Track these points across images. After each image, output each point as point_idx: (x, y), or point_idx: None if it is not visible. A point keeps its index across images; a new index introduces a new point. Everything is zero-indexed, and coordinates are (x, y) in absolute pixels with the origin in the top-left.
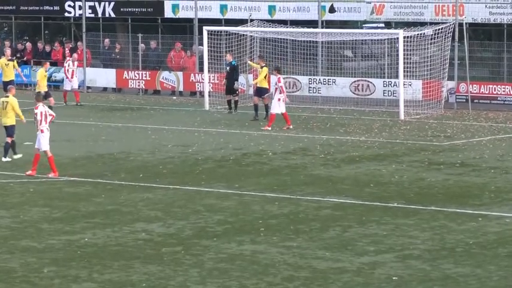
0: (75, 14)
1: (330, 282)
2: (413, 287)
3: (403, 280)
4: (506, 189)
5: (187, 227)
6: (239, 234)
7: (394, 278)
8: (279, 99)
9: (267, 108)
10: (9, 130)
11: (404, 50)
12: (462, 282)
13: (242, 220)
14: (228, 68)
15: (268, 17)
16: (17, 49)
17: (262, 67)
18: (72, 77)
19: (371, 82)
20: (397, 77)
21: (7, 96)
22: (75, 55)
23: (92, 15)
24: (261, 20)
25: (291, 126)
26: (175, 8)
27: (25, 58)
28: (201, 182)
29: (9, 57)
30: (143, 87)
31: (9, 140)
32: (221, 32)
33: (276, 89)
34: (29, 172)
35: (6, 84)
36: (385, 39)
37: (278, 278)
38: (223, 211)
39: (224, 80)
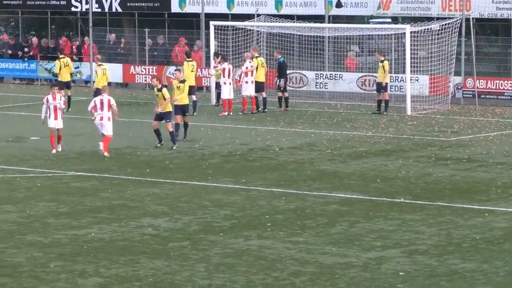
0: (81, 9)
1: (336, 277)
2: (420, 282)
3: (410, 275)
4: None
5: (194, 222)
6: (246, 229)
7: (400, 273)
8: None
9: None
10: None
11: (411, 45)
12: (469, 277)
13: (249, 215)
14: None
15: (275, 12)
16: (21, 44)
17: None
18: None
19: (377, 77)
20: (404, 72)
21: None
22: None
23: (99, 10)
24: (267, 15)
25: (231, 114)
26: (182, 2)
27: (31, 53)
28: (208, 177)
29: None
30: (150, 82)
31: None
32: (228, 26)
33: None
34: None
35: (63, 84)
36: (392, 35)
37: (285, 273)
38: (230, 206)
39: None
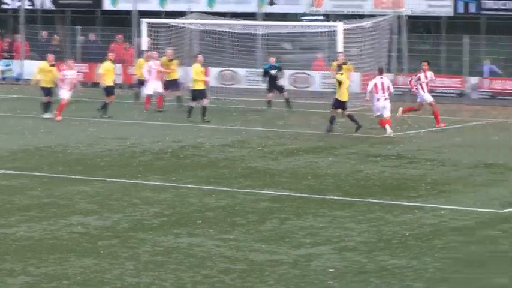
0: (13, 6)
1: (266, 274)
2: (349, 278)
3: (339, 272)
4: (442, 181)
5: (124, 220)
6: (176, 227)
7: (330, 270)
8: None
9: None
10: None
11: (343, 43)
12: (398, 273)
13: (179, 213)
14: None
15: (208, 9)
16: None
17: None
18: None
19: (309, 75)
20: None
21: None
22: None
23: (31, 7)
24: (200, 12)
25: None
26: None
27: None
28: (138, 175)
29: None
30: (82, 79)
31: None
32: (160, 24)
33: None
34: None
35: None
36: (324, 32)
37: (214, 271)
38: (160, 204)
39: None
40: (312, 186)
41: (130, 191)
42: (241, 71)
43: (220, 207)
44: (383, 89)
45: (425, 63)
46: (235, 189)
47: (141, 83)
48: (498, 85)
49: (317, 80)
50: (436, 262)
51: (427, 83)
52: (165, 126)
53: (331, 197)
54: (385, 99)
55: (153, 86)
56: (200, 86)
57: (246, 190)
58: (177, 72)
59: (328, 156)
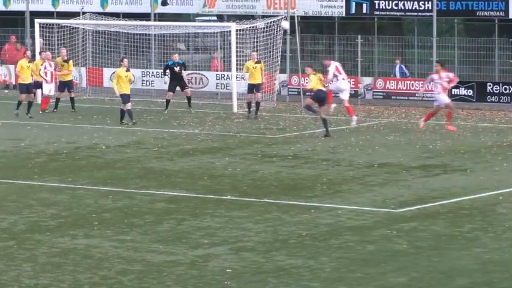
0: None
1: (164, 275)
2: (247, 279)
3: (237, 272)
4: (338, 181)
5: (20, 222)
6: (72, 228)
7: (228, 270)
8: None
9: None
10: None
11: (236, 43)
12: (295, 273)
13: (76, 214)
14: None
15: (101, 10)
16: None
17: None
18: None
19: (204, 75)
20: (230, 70)
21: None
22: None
23: None
24: (93, 12)
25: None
26: (6, 0)
27: None
28: (34, 176)
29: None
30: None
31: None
32: (53, 25)
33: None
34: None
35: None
36: (217, 32)
37: (112, 272)
38: (57, 205)
39: None
40: (209, 186)
41: (26, 193)
42: (136, 72)
43: (117, 208)
44: (343, 69)
45: (438, 64)
46: (131, 190)
47: (38, 84)
48: (392, 85)
49: (212, 80)
50: (332, 262)
51: (441, 84)
52: (60, 128)
53: (228, 197)
54: (347, 80)
55: (49, 87)
56: (127, 91)
57: (143, 191)
58: (72, 74)
59: (225, 157)
